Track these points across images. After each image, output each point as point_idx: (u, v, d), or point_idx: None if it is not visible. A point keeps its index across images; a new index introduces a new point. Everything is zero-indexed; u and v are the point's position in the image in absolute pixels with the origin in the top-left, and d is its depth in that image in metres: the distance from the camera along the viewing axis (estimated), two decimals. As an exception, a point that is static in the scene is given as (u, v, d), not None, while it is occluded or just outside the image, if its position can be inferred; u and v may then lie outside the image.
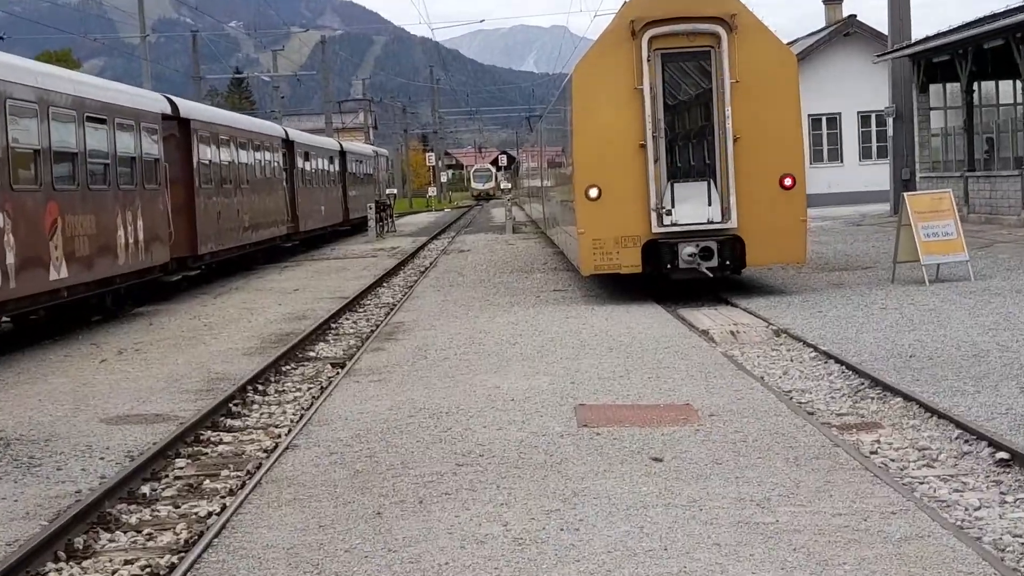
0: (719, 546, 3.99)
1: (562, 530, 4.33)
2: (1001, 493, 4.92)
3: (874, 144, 27.77)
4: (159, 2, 38.63)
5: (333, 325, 12.44)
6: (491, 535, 4.36)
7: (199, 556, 4.09)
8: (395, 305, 13.87)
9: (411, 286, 16.34)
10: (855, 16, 28.68)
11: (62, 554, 4.60)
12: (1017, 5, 16.15)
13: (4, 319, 11.13)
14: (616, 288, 13.17)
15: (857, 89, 26.30)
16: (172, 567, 4.28)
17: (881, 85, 23.98)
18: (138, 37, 28.79)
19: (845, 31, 28.38)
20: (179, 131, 15.27)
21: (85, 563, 4.61)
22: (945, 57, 19.70)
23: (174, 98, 15.96)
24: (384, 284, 16.78)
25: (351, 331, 12.05)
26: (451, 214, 50.12)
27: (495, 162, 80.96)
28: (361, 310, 13.84)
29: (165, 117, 14.45)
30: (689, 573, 3.69)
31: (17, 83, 10.20)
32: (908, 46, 20.99)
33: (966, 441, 6.01)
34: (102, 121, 11.97)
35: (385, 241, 28.19)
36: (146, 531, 5.15)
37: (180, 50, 57.04)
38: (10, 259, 9.65)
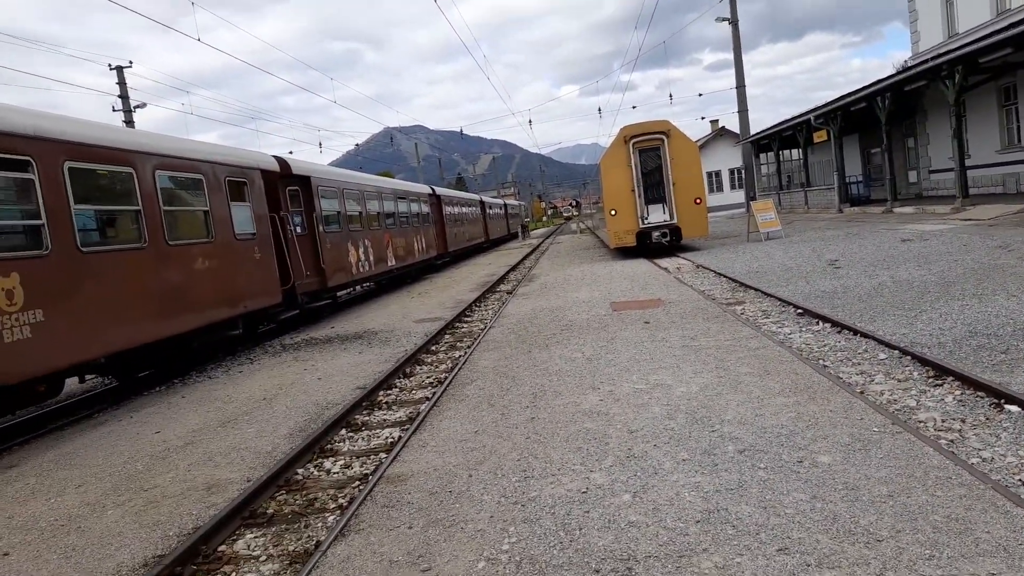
0: (675, 356, 7.20)
1: (607, 353, 7.72)
2: (799, 327, 8.40)
3: (737, 182, 48.53)
4: (421, 147, 66.83)
5: (506, 276, 21.92)
6: (576, 357, 7.76)
7: (456, 372, 7.92)
8: (531, 267, 23.42)
9: (537, 259, 27.49)
10: (724, 126, 52.96)
11: (401, 375, 8.64)
12: (796, 115, 28.83)
13: (369, 284, 21.78)
14: (626, 254, 21.92)
15: (727, 158, 48.92)
16: (446, 378, 7.78)
17: (738, 156, 43.75)
18: (415, 164, 54.89)
19: (720, 132, 52.62)
20: (435, 200, 28.08)
21: (411, 378, 8.39)
22: (765, 140, 36.18)
23: (433, 186, 29.64)
24: (526, 261, 28.21)
25: (513, 279, 21.36)
26: (553, 228, 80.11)
27: (572, 204, 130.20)
28: (517, 270, 23.94)
29: (430, 195, 27.34)
30: (664, 367, 6.74)
31: (368, 185, 20.72)
32: (748, 138, 35.89)
33: (782, 306, 9.87)
34: (404, 198, 24.20)
35: (526, 241, 46.92)
36: (434, 365, 9.20)
37: (433, 167, 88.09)
38: (371, 258, 19.56)
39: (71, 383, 10.58)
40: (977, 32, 21.94)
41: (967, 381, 5.61)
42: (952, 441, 4.66)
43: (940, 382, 5.84)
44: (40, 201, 7.87)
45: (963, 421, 4.97)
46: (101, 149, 9.03)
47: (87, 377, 10.26)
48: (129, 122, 29.31)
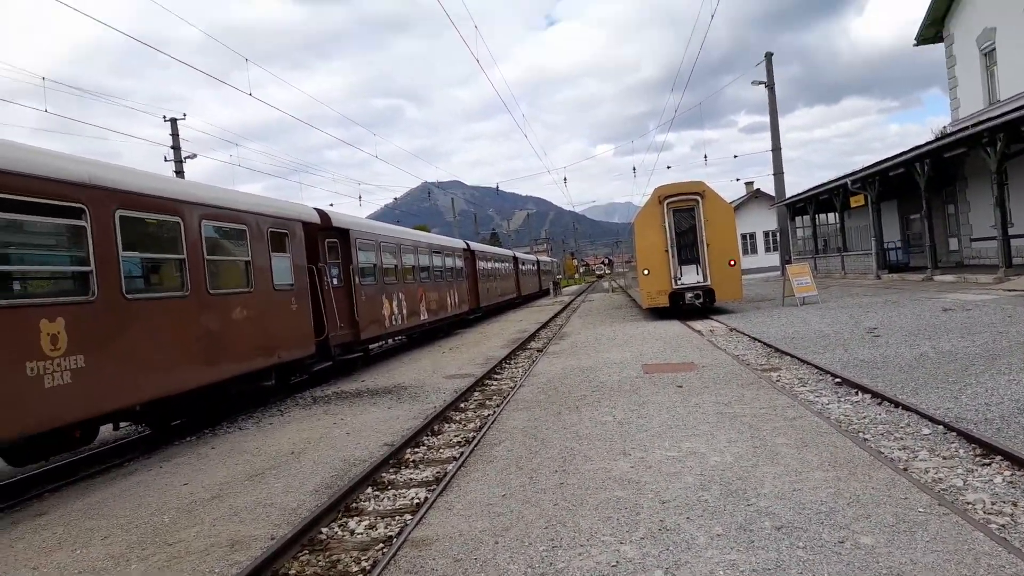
0: (709, 423, 6.91)
1: (639, 417, 7.51)
2: (837, 396, 8.07)
3: (771, 244, 48.90)
4: (458, 202, 70.07)
5: (537, 334, 21.69)
6: (607, 420, 7.56)
7: (485, 432, 7.74)
8: (562, 325, 23.25)
9: (569, 316, 27.47)
10: (759, 188, 51.49)
11: (430, 433, 8.50)
12: (833, 179, 29.13)
13: (402, 337, 21.92)
14: (658, 315, 21.64)
15: (762, 220, 49.21)
16: (474, 437, 7.69)
17: (772, 218, 43.36)
18: (451, 219, 56.00)
19: (755, 194, 53.65)
20: (469, 255, 28.30)
21: (439, 436, 8.31)
22: (801, 204, 35.55)
23: (468, 242, 29.80)
24: (557, 319, 28.07)
25: (543, 336, 21.25)
26: (585, 286, 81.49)
27: (604, 262, 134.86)
28: (548, 327, 23.87)
29: (464, 250, 27.58)
30: (697, 434, 6.51)
31: (405, 238, 20.75)
32: (784, 200, 35.88)
33: (819, 374, 9.39)
34: (439, 252, 24.39)
35: (557, 298, 47.45)
36: (462, 423, 8.96)
37: (468, 222, 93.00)
38: (405, 311, 19.16)
39: (105, 430, 10.67)
40: (1019, 100, 21.79)
41: (1017, 461, 5.37)
42: (1003, 526, 4.43)
43: (988, 461, 5.60)
44: (91, 248, 8.10)
45: (1015, 504, 4.74)
46: (151, 199, 9.32)
47: (121, 424, 10.35)
48: (179, 172, 30.33)
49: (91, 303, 8.03)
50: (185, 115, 31.25)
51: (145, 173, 9.74)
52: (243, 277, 11.49)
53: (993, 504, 4.79)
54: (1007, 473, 5.30)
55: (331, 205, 20.93)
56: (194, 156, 31.21)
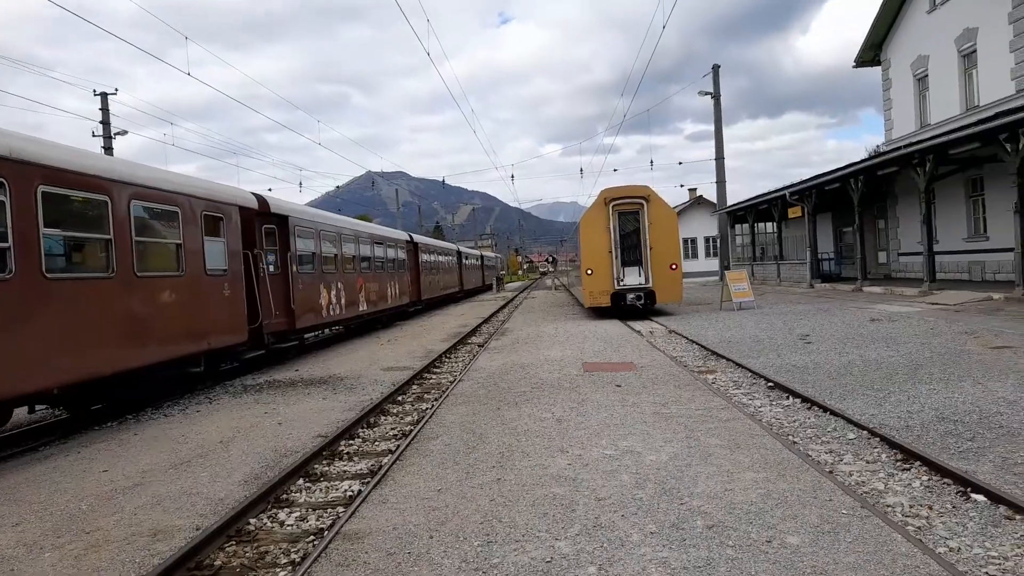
0: (646, 423, 7.06)
1: (578, 415, 7.60)
2: (769, 400, 8.37)
3: (711, 250, 50.08)
4: (402, 193, 69.48)
5: (479, 328, 21.61)
6: (546, 417, 7.62)
7: (422, 426, 7.61)
8: (504, 321, 23.18)
9: (511, 312, 27.38)
10: (702, 195, 54.85)
11: (365, 425, 8.32)
12: (772, 189, 29.28)
13: (339, 328, 21.54)
14: (600, 314, 21.81)
15: (703, 226, 50.24)
16: (411, 431, 7.70)
17: (714, 224, 44.19)
18: (395, 210, 56.05)
19: (698, 201, 54.39)
20: (412, 247, 27.84)
21: (375, 429, 8.17)
22: (741, 212, 36.65)
23: (412, 234, 29.33)
24: (499, 314, 28.06)
25: (485, 331, 21.15)
26: (528, 283, 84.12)
27: (548, 260, 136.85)
28: (490, 323, 23.68)
29: (407, 242, 27.16)
30: (634, 433, 6.65)
31: (346, 227, 20.25)
32: (725, 208, 36.88)
33: (753, 378, 9.75)
34: (381, 243, 24.05)
35: (500, 294, 47.40)
36: (399, 416, 8.86)
37: (412, 213, 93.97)
38: (343, 301, 18.83)
39: (19, 412, 10.16)
40: (947, 124, 22.85)
41: (934, 467, 5.61)
42: (919, 528, 4.61)
43: (908, 466, 5.82)
44: (9, 224, 7.68)
45: (930, 508, 4.94)
46: (77, 175, 8.89)
47: (37, 408, 9.86)
48: (108, 148, 29.10)
49: (7, 281, 7.64)
50: (117, 90, 29.94)
51: (72, 148, 9.28)
52: (173, 260, 11.09)
53: (911, 507, 4.97)
54: (925, 478, 5.52)
55: (269, 190, 20.39)
56: (124, 133, 30.03)
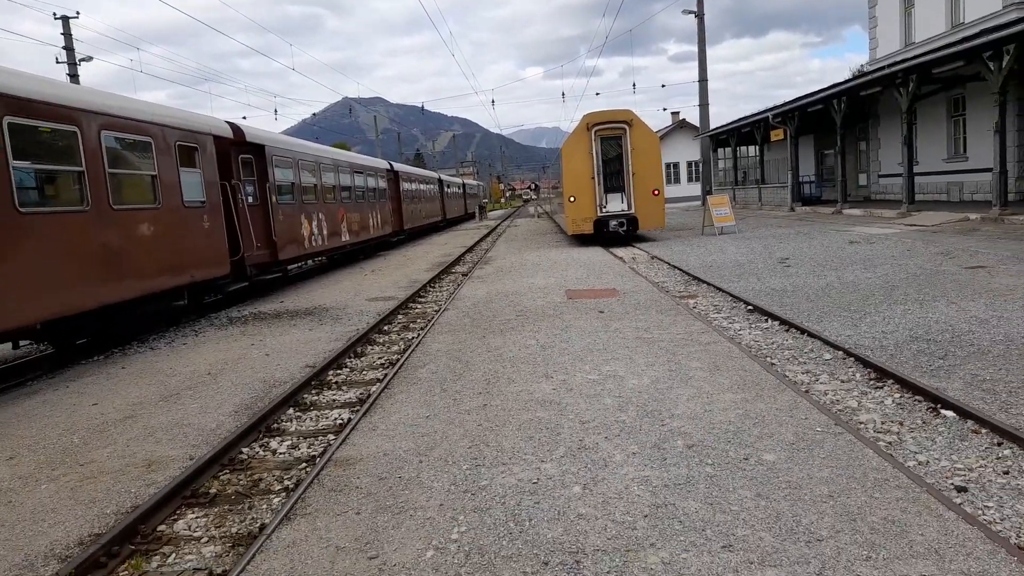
0: (628, 348, 7.22)
1: (561, 341, 7.76)
2: (748, 323, 8.59)
3: (694, 174, 49.76)
4: (381, 120, 67.18)
5: (462, 258, 21.65)
6: (531, 344, 7.80)
7: (409, 355, 7.96)
8: (487, 250, 23.25)
9: (494, 241, 27.47)
10: (684, 119, 53.91)
11: (352, 355, 8.60)
12: (754, 112, 29.05)
13: (322, 259, 21.34)
14: (582, 241, 21.86)
15: (686, 151, 49.37)
16: (398, 360, 7.86)
17: (696, 149, 43.00)
18: (374, 138, 55.34)
19: (680, 125, 53.38)
20: (393, 176, 27.57)
21: (362, 358, 8.30)
22: (724, 136, 36.06)
23: (392, 162, 28.88)
24: (482, 243, 28.03)
25: (468, 260, 21.11)
26: (511, 210, 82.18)
27: (530, 187, 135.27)
28: (473, 252, 23.79)
29: (388, 171, 26.82)
30: (616, 358, 6.80)
31: (325, 156, 19.91)
32: (707, 132, 36.38)
33: (733, 302, 10.00)
34: (361, 172, 23.69)
35: (483, 222, 47.69)
36: (386, 345, 9.06)
37: (391, 141, 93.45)
38: (325, 232, 18.77)
39: (4, 348, 10.15)
40: (932, 43, 22.55)
41: (906, 384, 5.80)
42: (890, 443, 4.81)
43: (881, 384, 6.02)
44: (-24, 157, 7.47)
45: (901, 424, 5.14)
46: (44, 105, 8.62)
47: (21, 343, 9.85)
48: (74, 76, 28.08)
49: (-18, 215, 7.48)
50: (78, 13, 28.60)
51: (38, 77, 8.97)
52: (150, 192, 10.90)
53: (883, 424, 5.17)
54: (896, 396, 5.72)
55: (244, 118, 19.96)
56: (90, 59, 28.90)
